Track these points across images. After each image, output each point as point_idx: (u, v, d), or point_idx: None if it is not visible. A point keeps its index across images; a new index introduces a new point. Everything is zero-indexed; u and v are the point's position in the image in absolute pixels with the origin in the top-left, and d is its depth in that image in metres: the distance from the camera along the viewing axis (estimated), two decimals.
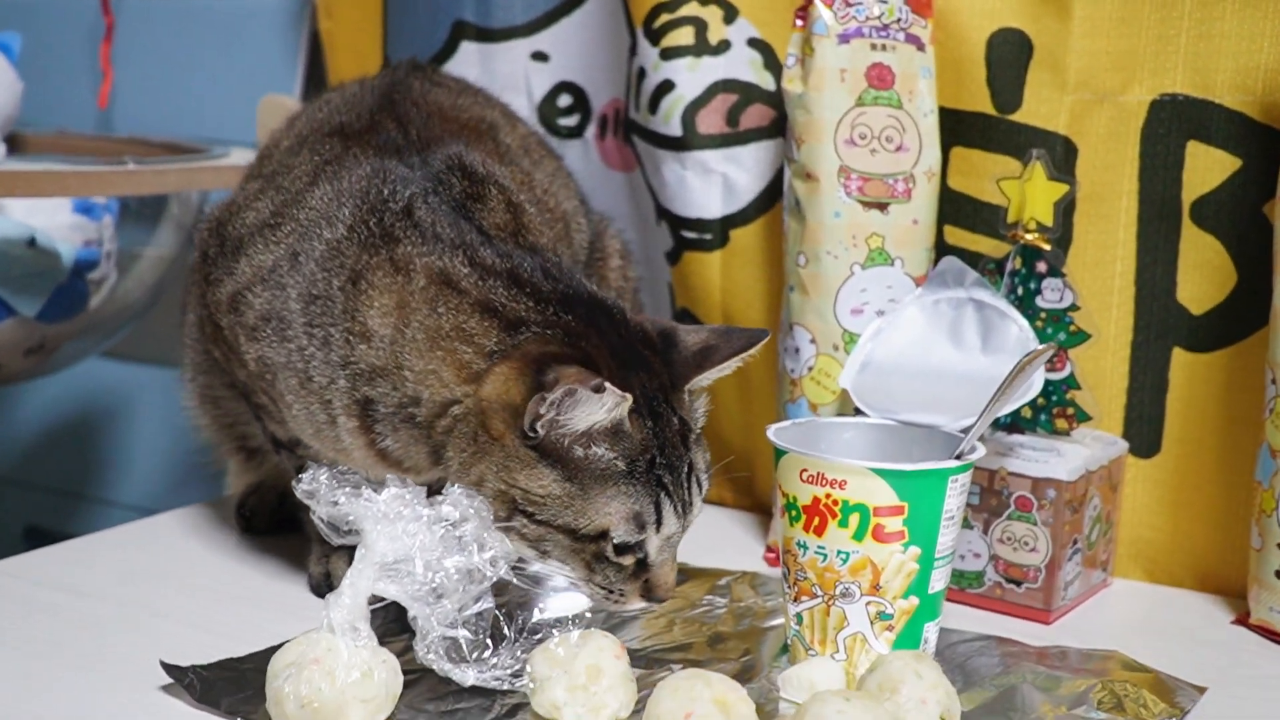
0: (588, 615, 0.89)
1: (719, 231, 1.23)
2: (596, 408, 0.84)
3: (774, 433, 0.95)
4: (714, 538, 1.18)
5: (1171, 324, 1.11)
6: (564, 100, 1.36)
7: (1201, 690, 0.92)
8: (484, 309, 0.89)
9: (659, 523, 0.88)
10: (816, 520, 0.90)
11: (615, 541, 0.87)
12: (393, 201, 0.94)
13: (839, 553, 0.90)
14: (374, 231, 0.92)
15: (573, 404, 0.83)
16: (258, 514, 1.17)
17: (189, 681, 0.85)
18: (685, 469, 0.90)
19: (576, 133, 1.36)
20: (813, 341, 1.12)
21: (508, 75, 1.35)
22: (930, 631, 0.93)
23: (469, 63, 1.36)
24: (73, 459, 1.92)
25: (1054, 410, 1.08)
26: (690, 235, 1.24)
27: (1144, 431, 1.13)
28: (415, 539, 0.80)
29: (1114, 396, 1.13)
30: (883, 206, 1.10)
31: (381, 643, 0.83)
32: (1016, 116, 1.11)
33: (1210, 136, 1.07)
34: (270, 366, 0.95)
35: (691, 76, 1.20)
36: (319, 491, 0.81)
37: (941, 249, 1.15)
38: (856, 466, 0.89)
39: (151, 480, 1.85)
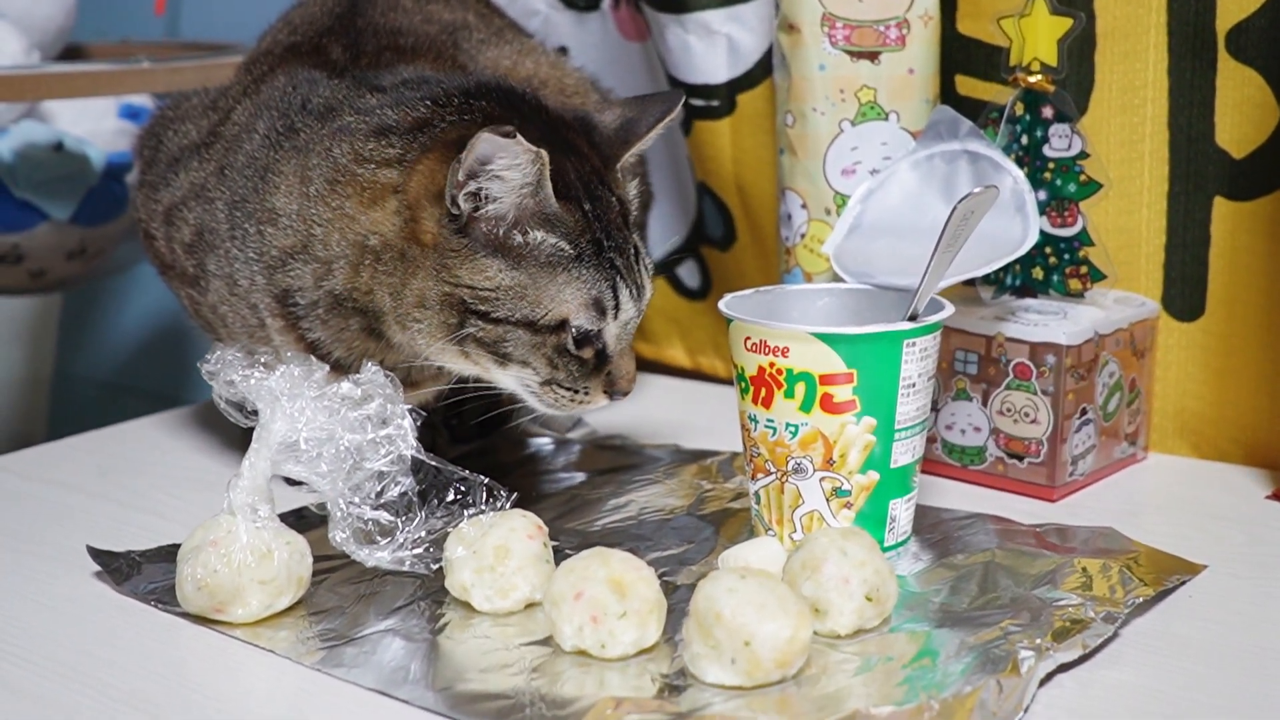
0: (509, 494, 0.84)
1: (726, 97, 1.16)
2: (513, 166, 0.80)
3: (728, 301, 0.89)
4: (721, 416, 1.12)
5: (1211, 171, 1.00)
6: None
7: (1197, 569, 0.83)
8: (377, 132, 0.87)
9: (617, 308, 0.86)
10: (763, 391, 0.84)
11: (575, 331, 0.84)
12: (297, 100, 0.93)
13: (787, 425, 0.84)
14: (280, 131, 0.92)
15: (489, 162, 0.80)
16: None
17: (116, 566, 0.85)
18: (632, 250, 0.87)
19: (594, 4, 1.29)
20: (804, 206, 1.05)
21: None
22: (899, 509, 0.86)
23: None
24: (170, 364, 1.96)
25: (1066, 270, 0.98)
26: (698, 103, 1.17)
27: (1185, 292, 1.02)
28: (306, 416, 0.77)
29: (1150, 255, 1.03)
30: (873, 56, 1.01)
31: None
32: None
33: None
34: (206, 274, 0.96)
35: None
36: (219, 372, 0.79)
37: (952, 101, 1.05)
38: (798, 332, 0.82)
39: None
